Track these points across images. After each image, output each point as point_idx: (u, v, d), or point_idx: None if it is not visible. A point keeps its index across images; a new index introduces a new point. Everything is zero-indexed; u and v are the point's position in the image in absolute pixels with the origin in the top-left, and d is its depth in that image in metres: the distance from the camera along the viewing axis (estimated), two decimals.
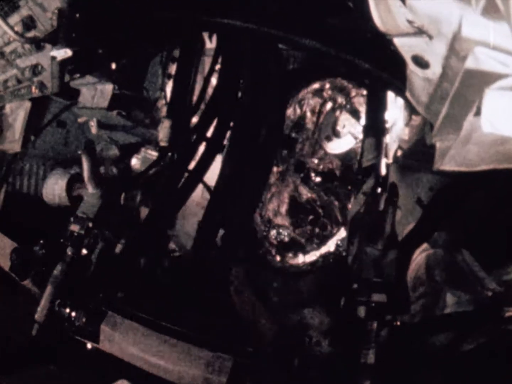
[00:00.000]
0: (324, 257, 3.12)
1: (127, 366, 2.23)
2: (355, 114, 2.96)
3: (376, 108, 2.47)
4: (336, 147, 3.07)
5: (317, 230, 3.20)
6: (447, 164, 1.44)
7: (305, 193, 3.28)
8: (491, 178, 2.05)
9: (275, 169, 3.32)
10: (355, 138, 2.95)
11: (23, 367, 2.66)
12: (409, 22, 1.24)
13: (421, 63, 1.35)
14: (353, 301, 2.18)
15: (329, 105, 3.13)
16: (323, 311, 2.71)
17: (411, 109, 2.28)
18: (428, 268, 2.22)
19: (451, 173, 1.52)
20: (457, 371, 1.95)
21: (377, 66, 1.81)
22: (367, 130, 2.52)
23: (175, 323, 2.26)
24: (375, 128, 2.46)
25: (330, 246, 3.12)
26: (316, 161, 3.23)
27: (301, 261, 3.20)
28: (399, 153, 2.39)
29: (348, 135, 2.99)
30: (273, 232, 3.37)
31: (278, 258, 3.29)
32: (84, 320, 2.31)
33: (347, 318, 2.26)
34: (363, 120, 2.87)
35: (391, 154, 2.50)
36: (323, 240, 3.14)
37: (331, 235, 3.11)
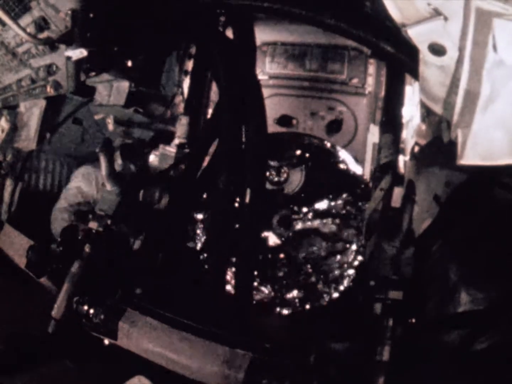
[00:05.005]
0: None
1: (144, 362, 2.24)
2: None
3: (394, 105, 2.46)
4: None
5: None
6: (470, 157, 1.39)
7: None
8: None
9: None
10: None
11: (39, 364, 2.68)
12: (429, 4, 1.25)
13: (438, 50, 1.35)
14: (369, 298, 2.18)
15: None
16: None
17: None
18: (444, 265, 2.20)
19: (471, 169, 1.48)
20: (470, 370, 1.94)
21: (400, 50, 1.79)
22: (384, 126, 2.50)
23: (193, 320, 2.27)
24: (392, 125, 2.45)
25: None
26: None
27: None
28: (416, 149, 2.37)
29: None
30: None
31: None
32: (102, 317, 2.32)
33: (364, 314, 2.25)
34: None
35: (408, 150, 2.49)
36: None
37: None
